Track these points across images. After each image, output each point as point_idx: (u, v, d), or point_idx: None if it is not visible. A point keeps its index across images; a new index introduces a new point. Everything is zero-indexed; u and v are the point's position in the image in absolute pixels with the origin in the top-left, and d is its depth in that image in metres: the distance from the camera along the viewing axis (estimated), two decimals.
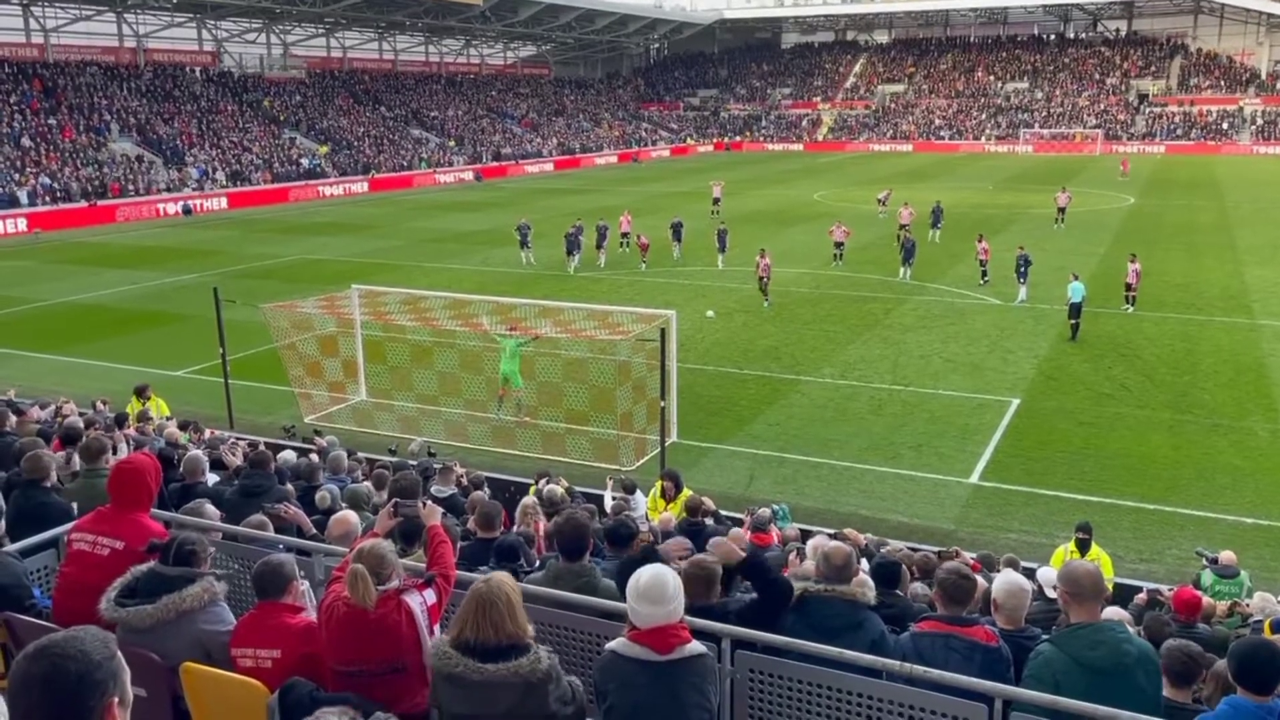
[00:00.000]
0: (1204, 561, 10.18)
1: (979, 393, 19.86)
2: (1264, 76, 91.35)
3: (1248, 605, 8.42)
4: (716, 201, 47.23)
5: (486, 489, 11.60)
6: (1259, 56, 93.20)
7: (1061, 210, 41.83)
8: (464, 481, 11.51)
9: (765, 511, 10.29)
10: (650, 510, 11.49)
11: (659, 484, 12.06)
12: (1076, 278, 24.27)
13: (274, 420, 18.08)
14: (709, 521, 10.29)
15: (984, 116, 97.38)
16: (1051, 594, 7.25)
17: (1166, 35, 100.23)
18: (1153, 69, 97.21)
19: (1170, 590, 8.64)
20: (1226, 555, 10.06)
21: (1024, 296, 27.75)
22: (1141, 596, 8.85)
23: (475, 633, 3.77)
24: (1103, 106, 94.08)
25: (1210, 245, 36.95)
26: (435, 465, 11.51)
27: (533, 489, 11.91)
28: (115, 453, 7.66)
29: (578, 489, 12.98)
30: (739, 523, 10.95)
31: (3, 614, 4.85)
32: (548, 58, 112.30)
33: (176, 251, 40.13)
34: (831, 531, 10.28)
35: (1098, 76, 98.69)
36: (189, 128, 62.55)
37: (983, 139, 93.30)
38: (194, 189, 55.98)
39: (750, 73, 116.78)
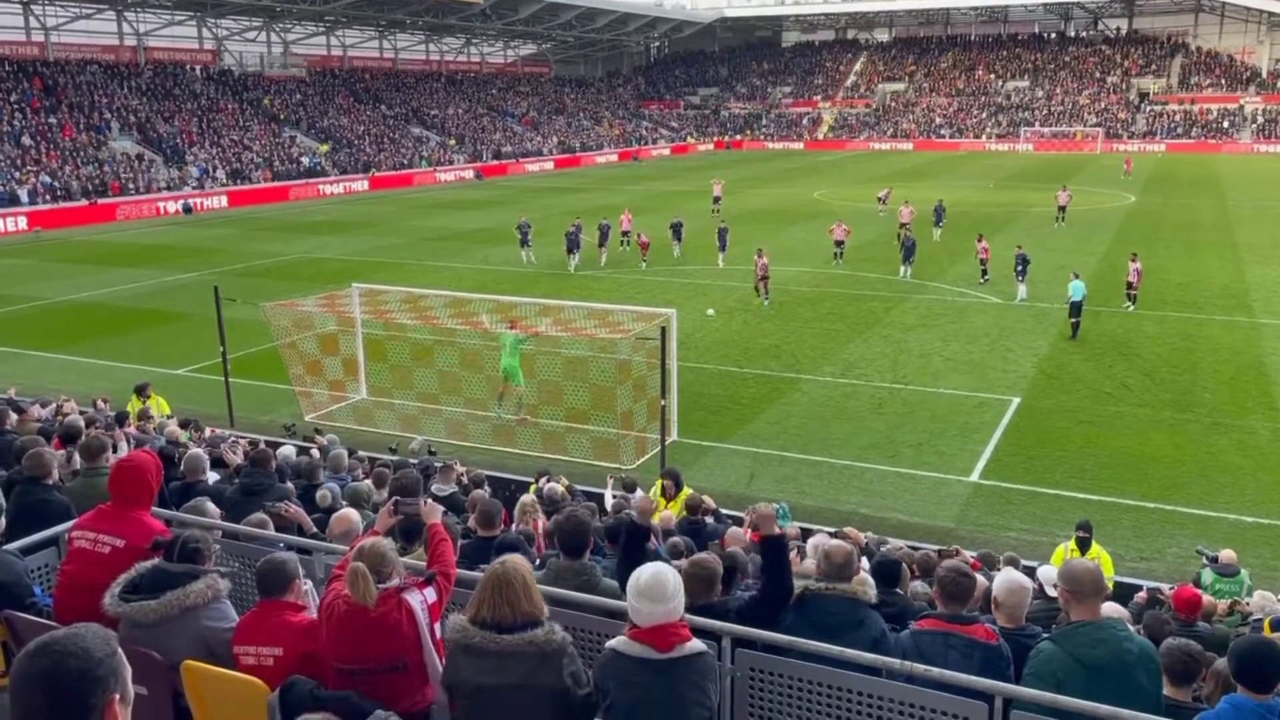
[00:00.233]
0: (1204, 560, 10.18)
1: (979, 391, 19.85)
2: (1264, 75, 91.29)
3: (1248, 604, 8.43)
4: (717, 200, 47.22)
5: (487, 487, 11.61)
6: (1260, 55, 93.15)
7: (1062, 209, 41.82)
8: (464, 480, 11.52)
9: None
10: None
11: (659, 482, 12.05)
12: (1077, 276, 24.28)
13: (274, 419, 18.09)
14: (709, 520, 10.30)
15: (984, 115, 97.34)
16: (1052, 592, 7.26)
17: (1167, 34, 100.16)
18: (1153, 67, 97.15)
19: (1170, 589, 8.64)
20: (1227, 554, 10.07)
21: (1024, 295, 27.75)
22: (1141, 595, 8.85)
23: (492, 611, 3.88)
24: (1103, 105, 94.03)
25: (1211, 244, 36.94)
26: (436, 463, 11.52)
27: (533, 487, 11.92)
28: (116, 451, 7.67)
29: (578, 487, 13.00)
30: (739, 521, 10.95)
31: (3, 612, 4.85)
32: (548, 56, 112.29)
33: (177, 250, 40.13)
34: (832, 530, 10.28)
35: (1098, 75, 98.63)
36: (189, 126, 62.54)
37: (983, 137, 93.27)
38: (194, 187, 55.98)
39: (751, 71, 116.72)
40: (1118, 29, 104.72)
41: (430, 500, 5.83)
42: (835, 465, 16.21)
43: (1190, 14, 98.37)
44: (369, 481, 10.05)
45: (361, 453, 13.95)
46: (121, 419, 12.89)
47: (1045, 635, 4.91)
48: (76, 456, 7.37)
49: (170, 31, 71.13)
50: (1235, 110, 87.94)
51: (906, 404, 19.15)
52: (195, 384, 20.73)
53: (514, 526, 9.02)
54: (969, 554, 9.74)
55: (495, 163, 77.28)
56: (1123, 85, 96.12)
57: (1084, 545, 10.54)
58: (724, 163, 79.89)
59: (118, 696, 2.20)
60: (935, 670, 4.39)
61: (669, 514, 10.83)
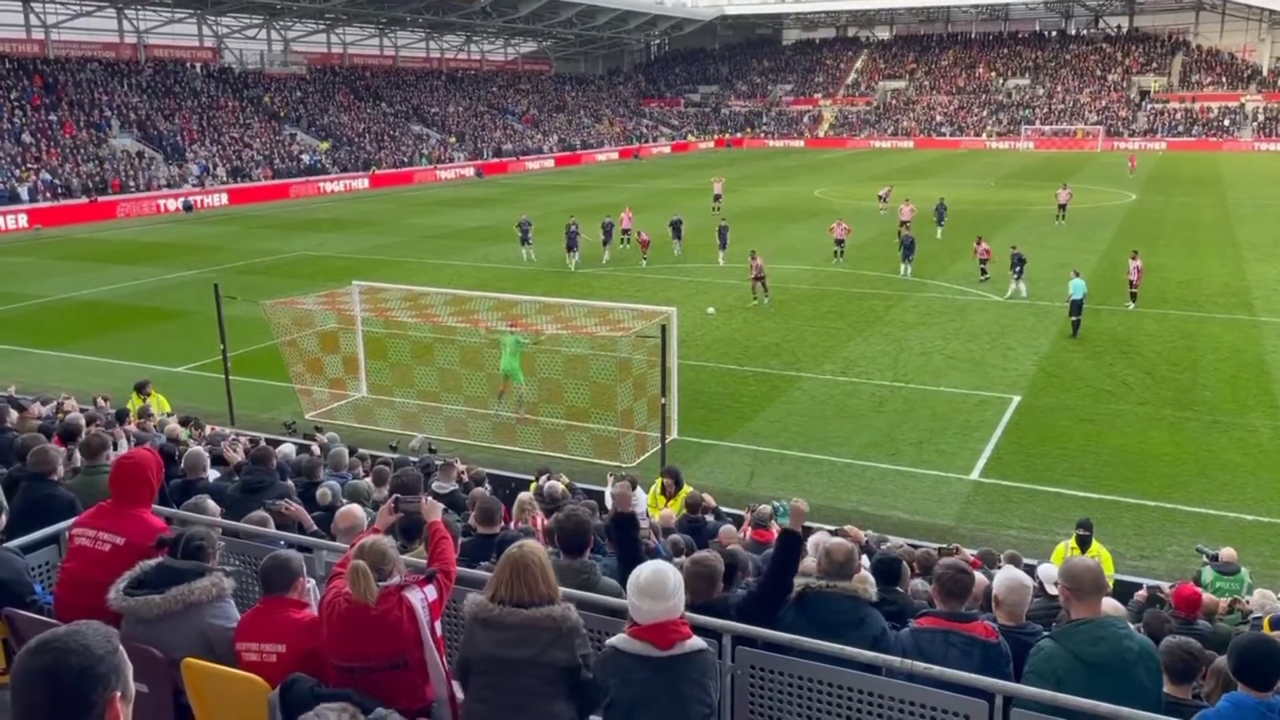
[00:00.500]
0: (1204, 558, 10.18)
1: (980, 389, 19.85)
2: (1265, 73, 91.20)
3: (1248, 602, 8.43)
4: (717, 198, 47.21)
5: (488, 485, 11.61)
6: (1260, 53, 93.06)
7: (1062, 207, 41.80)
8: (465, 478, 11.52)
9: (766, 508, 10.27)
10: (650, 507, 11.48)
11: (659, 481, 12.06)
12: (1078, 274, 24.27)
13: (275, 417, 18.09)
14: (709, 518, 10.31)
15: (985, 113, 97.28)
16: (1052, 591, 7.25)
17: (1168, 32, 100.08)
18: (1154, 65, 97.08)
19: (1170, 587, 8.64)
20: (1227, 552, 10.06)
21: (1024, 293, 27.73)
22: (1142, 593, 8.85)
23: (510, 592, 3.97)
24: (1104, 103, 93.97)
25: (1211, 242, 36.93)
26: (436, 461, 11.52)
27: (533, 485, 11.92)
28: (116, 449, 7.67)
29: (578, 485, 13.01)
30: (739, 519, 10.96)
31: (4, 610, 4.85)
32: (548, 54, 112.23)
33: (177, 247, 40.12)
34: (832, 528, 10.28)
35: (1099, 73, 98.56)
36: (190, 124, 62.53)
37: (984, 135, 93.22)
38: (195, 185, 55.96)
39: (751, 69, 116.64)
40: (1119, 27, 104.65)
41: (430, 498, 5.83)
42: (836, 463, 16.21)
43: (1191, 12, 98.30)
44: (369, 479, 10.06)
45: (362, 450, 13.95)
46: (122, 417, 12.90)
47: (1046, 633, 4.92)
48: (77, 454, 7.37)
49: (170, 29, 71.08)
50: (1236, 108, 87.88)
51: (907, 402, 19.15)
52: (195, 382, 20.73)
53: (513, 524, 9.02)
54: (969, 552, 9.74)
55: (496, 160, 77.26)
56: (1124, 83, 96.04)
57: (1084, 543, 10.55)
58: (724, 160, 79.85)
59: (119, 694, 2.20)
60: (935, 668, 4.39)
61: (669, 512, 10.84)
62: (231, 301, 18.99)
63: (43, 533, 5.70)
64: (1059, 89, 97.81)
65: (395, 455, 13.72)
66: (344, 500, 8.22)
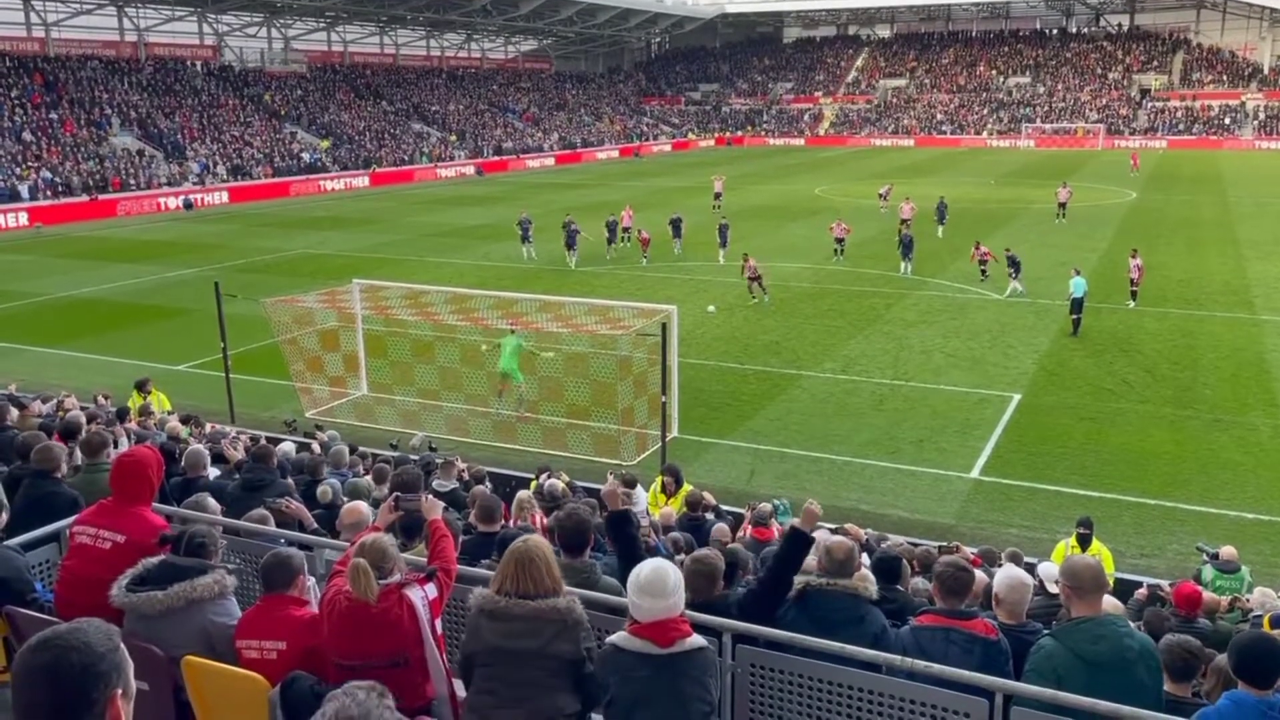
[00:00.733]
0: (1205, 557, 10.18)
1: (980, 388, 19.85)
2: (1266, 71, 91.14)
3: (1248, 600, 8.43)
4: (718, 196, 47.19)
5: (488, 483, 11.61)
6: (1261, 51, 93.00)
7: (1062, 205, 41.79)
8: (465, 476, 11.52)
9: (766, 506, 10.29)
10: (651, 505, 11.49)
11: (659, 479, 12.06)
12: (1078, 273, 24.27)
13: (275, 415, 18.10)
14: (709, 516, 10.31)
15: (986, 111, 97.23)
16: (1053, 589, 7.25)
17: (1169, 30, 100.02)
18: (1155, 63, 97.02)
19: (1171, 585, 8.64)
20: (1227, 550, 10.06)
21: (1022, 290, 27.70)
22: (1142, 592, 8.85)
23: (515, 586, 4.00)
24: (1105, 101, 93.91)
25: (1212, 240, 36.91)
26: (437, 460, 11.52)
27: (533, 483, 11.92)
28: (116, 447, 7.67)
29: (578, 483, 13.00)
30: (740, 518, 10.96)
31: (4, 608, 4.86)
32: (549, 52, 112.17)
33: (177, 246, 40.12)
34: (833, 526, 10.27)
35: (1100, 71, 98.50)
36: (190, 122, 62.51)
37: (984, 134, 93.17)
38: (195, 183, 55.96)
39: (752, 67, 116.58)
40: (1119, 25, 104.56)
41: (431, 496, 5.83)
42: (836, 461, 16.21)
43: (1192, 10, 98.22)
44: (369, 477, 10.06)
45: (363, 448, 13.94)
46: (122, 415, 12.90)
47: (1046, 631, 4.92)
48: (78, 452, 7.38)
49: (171, 27, 71.05)
50: (1237, 106, 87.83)
51: (907, 400, 19.15)
52: (196, 380, 20.73)
53: (512, 522, 9.02)
54: (969, 550, 9.74)
55: (496, 159, 77.23)
56: (1124, 81, 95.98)
57: (1084, 542, 10.55)
58: (725, 159, 79.83)
59: (120, 691, 2.20)
60: (936, 666, 4.39)
61: (669, 510, 10.84)
62: (232, 299, 18.99)
63: (43, 530, 5.70)
64: (1060, 87, 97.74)
65: (396, 453, 13.73)
66: (344, 498, 8.22)
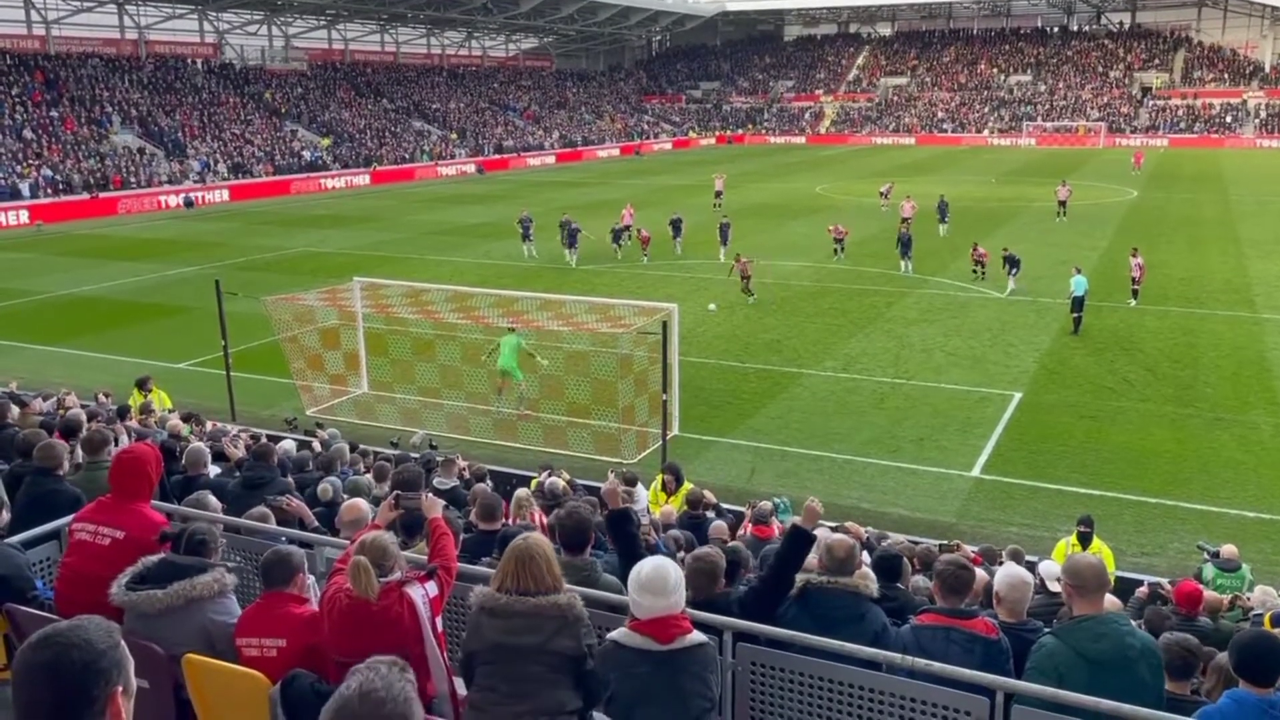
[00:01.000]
0: (1205, 555, 10.17)
1: (981, 386, 19.85)
2: (1268, 69, 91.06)
3: (1249, 599, 8.43)
4: (718, 195, 47.18)
5: (489, 481, 11.60)
6: (1263, 49, 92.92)
7: (1062, 204, 41.78)
8: (466, 474, 11.52)
9: (766, 504, 10.28)
10: (651, 503, 11.49)
11: (660, 477, 12.06)
12: (1079, 271, 24.26)
13: (276, 413, 18.09)
14: (710, 515, 10.30)
15: (987, 109, 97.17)
16: (1054, 588, 7.25)
17: (1170, 28, 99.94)
18: (1156, 62, 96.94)
19: (1171, 584, 8.63)
20: (1228, 549, 10.05)
21: (1022, 289, 27.65)
22: (1142, 590, 8.84)
23: (516, 583, 3.98)
24: (1106, 100, 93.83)
25: (1213, 239, 36.89)
26: (437, 458, 11.51)
27: (534, 482, 11.92)
28: (117, 445, 7.67)
29: (579, 482, 12.99)
30: (740, 516, 10.96)
31: (5, 606, 4.86)
32: (550, 50, 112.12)
33: (178, 244, 40.13)
34: (833, 525, 10.27)
35: (1101, 69, 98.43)
36: (190, 120, 62.49)
37: (985, 132, 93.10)
38: (195, 181, 55.96)
39: (752, 65, 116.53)
40: (1120, 23, 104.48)
41: (431, 494, 5.83)
42: (836, 460, 16.21)
43: (1193, 8, 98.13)
44: (369, 475, 10.06)
45: (363, 446, 13.94)
46: (123, 413, 12.90)
47: (1047, 630, 4.91)
48: (79, 450, 7.38)
49: (171, 25, 71.03)
50: (1238, 105, 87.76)
51: (908, 399, 19.14)
52: (197, 378, 20.74)
53: (511, 520, 9.02)
54: (970, 549, 9.74)
55: (497, 157, 77.20)
56: (1125, 80, 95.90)
57: (1085, 540, 10.54)
58: (726, 157, 79.79)
59: (121, 688, 2.20)
60: (937, 664, 4.39)
61: (670, 508, 10.84)
62: (233, 298, 18.98)
63: (44, 528, 5.70)
64: (1061, 85, 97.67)
65: (396, 451, 13.72)
66: (344, 496, 8.22)
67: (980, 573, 7.21)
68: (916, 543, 10.18)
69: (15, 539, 5.48)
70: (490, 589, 4.05)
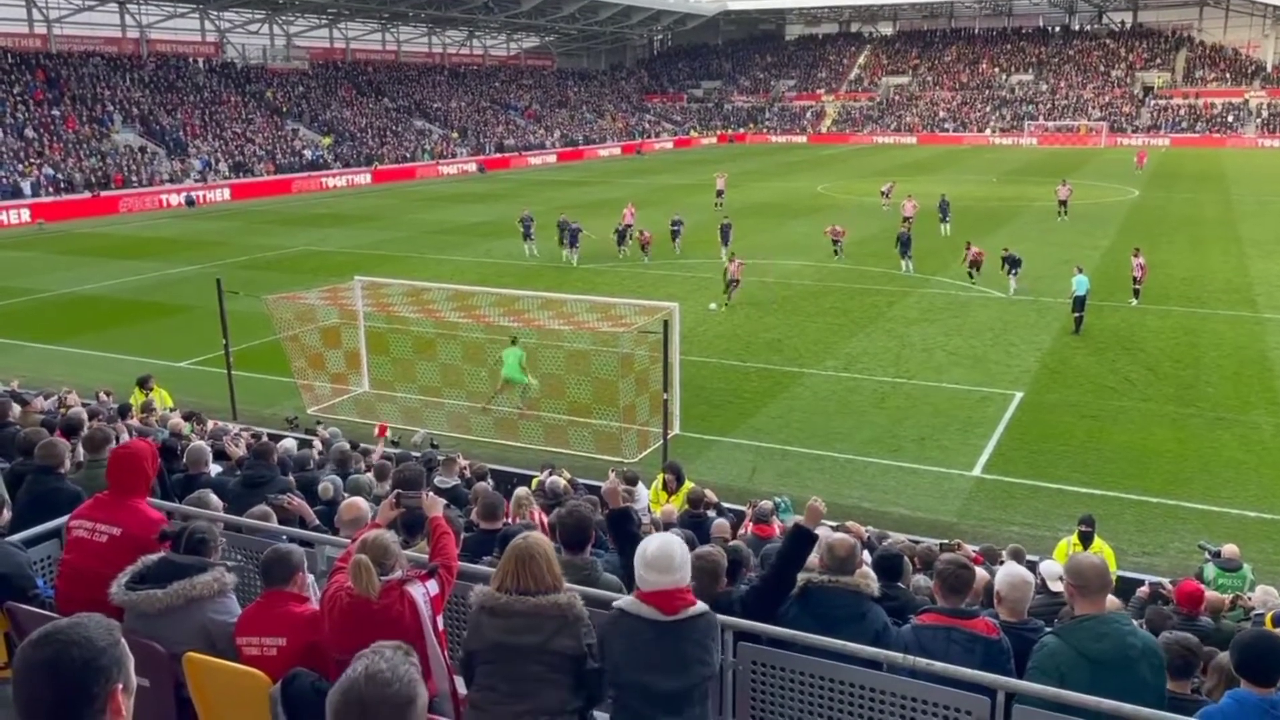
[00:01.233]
0: (1206, 555, 10.16)
1: (982, 385, 19.84)
2: (1269, 69, 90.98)
3: (1250, 599, 8.42)
4: (720, 194, 47.16)
5: (490, 480, 11.60)
6: (1265, 49, 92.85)
7: (1063, 203, 41.74)
8: (467, 473, 11.52)
9: (767, 504, 10.27)
10: (652, 503, 11.49)
11: (661, 476, 12.05)
12: (1080, 270, 24.23)
13: (277, 412, 18.10)
14: (711, 514, 10.29)
15: (988, 109, 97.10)
16: (1054, 587, 7.25)
17: (1172, 27, 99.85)
18: (1158, 61, 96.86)
19: (1172, 583, 8.63)
20: (1229, 549, 10.04)
21: (1024, 289, 27.61)
22: (1144, 590, 8.84)
23: (516, 582, 4.00)
24: (1108, 99, 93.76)
25: (1215, 238, 36.85)
26: (438, 457, 11.51)
27: (535, 481, 11.91)
28: (118, 443, 7.67)
29: (580, 481, 12.99)
30: (741, 515, 10.95)
31: (5, 604, 4.85)
32: (551, 49, 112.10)
33: (179, 243, 40.15)
34: (834, 524, 10.27)
35: (1103, 69, 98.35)
36: (192, 119, 62.51)
37: (987, 131, 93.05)
38: (197, 180, 55.97)
39: (754, 64, 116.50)
40: (1122, 22, 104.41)
41: (432, 493, 5.83)
42: (837, 459, 16.20)
43: (1195, 7, 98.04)
44: (371, 474, 10.06)
45: (364, 445, 13.94)
46: (124, 411, 12.90)
47: (1049, 629, 4.91)
48: (80, 448, 7.38)
49: (173, 24, 71.07)
50: (1240, 104, 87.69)
51: (909, 398, 19.13)
52: (198, 377, 20.75)
53: (511, 519, 9.01)
54: (971, 548, 9.73)
55: (498, 156, 77.19)
56: (1127, 79, 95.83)
57: (1086, 540, 10.54)
58: (727, 156, 79.77)
59: (121, 685, 2.20)
60: (938, 664, 4.38)
61: (670, 508, 10.83)
62: (234, 296, 18.99)
63: (45, 526, 5.70)
64: (1062, 85, 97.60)
65: (397, 450, 13.72)
66: (345, 495, 8.22)
67: (981, 572, 7.21)
68: (917, 542, 10.18)
69: (16, 537, 5.48)
70: (490, 588, 4.06)
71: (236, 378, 18.46)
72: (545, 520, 8.63)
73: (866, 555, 7.18)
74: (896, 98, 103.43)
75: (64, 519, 5.63)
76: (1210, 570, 9.74)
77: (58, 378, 19.52)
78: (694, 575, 4.75)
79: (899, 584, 6.37)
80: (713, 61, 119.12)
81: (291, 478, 9.09)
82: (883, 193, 46.68)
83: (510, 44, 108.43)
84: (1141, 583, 9.52)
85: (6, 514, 6.10)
